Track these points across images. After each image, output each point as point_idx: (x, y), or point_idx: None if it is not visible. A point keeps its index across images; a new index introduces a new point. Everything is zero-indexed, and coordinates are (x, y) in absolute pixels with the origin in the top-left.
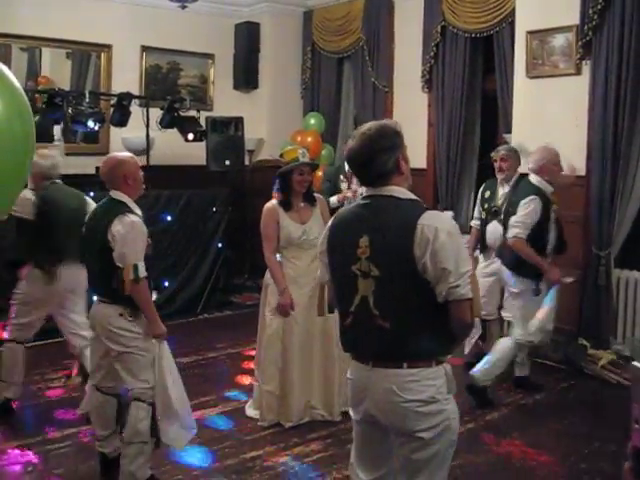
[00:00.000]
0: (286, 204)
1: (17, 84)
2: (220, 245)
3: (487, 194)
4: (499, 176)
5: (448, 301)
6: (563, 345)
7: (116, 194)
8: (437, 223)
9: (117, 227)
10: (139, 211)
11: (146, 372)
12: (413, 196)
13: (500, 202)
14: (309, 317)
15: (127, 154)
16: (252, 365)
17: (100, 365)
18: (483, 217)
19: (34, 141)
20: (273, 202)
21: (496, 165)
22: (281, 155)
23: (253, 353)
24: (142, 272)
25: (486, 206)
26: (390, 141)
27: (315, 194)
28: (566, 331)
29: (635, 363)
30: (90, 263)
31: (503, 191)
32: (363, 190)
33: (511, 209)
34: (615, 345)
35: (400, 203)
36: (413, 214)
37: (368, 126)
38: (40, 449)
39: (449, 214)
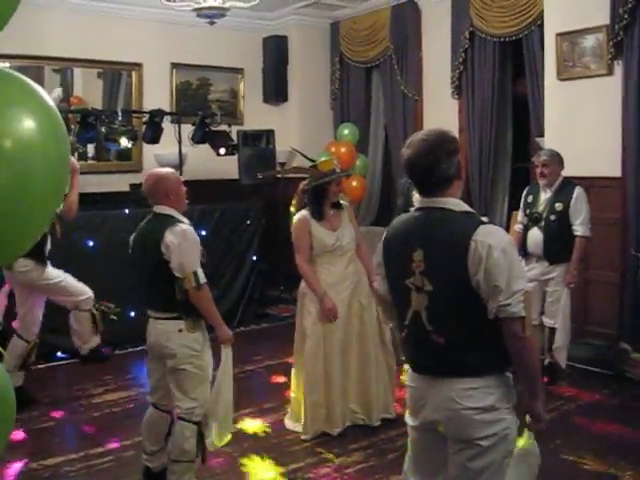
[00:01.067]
0: (319, 214)
1: (52, 103)
2: (255, 258)
3: (530, 199)
4: (541, 182)
5: (499, 318)
6: (604, 350)
7: (160, 208)
8: (491, 240)
9: (169, 238)
10: (187, 221)
11: (197, 390)
12: (468, 208)
13: (541, 208)
14: (349, 322)
15: (168, 169)
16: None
17: (158, 386)
18: (525, 223)
19: (69, 162)
20: (304, 213)
21: (537, 170)
22: (315, 166)
23: (291, 365)
24: (202, 278)
25: (528, 212)
26: (451, 145)
27: (341, 200)
28: (607, 335)
29: None
30: (145, 280)
31: (545, 197)
32: None
33: (554, 215)
34: None
35: (455, 216)
36: (468, 229)
37: (426, 132)
38: (82, 464)
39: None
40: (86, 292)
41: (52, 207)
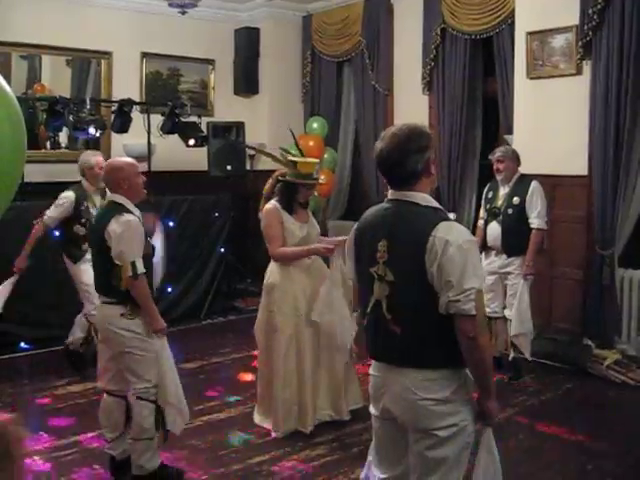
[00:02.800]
0: (289, 209)
1: (8, 89)
2: (222, 250)
3: (490, 194)
4: (497, 177)
5: (449, 314)
6: (567, 345)
7: (114, 197)
8: (449, 236)
9: (113, 226)
10: (137, 212)
11: (148, 371)
12: (435, 204)
13: (500, 203)
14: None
15: (126, 159)
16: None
17: (106, 368)
18: (485, 217)
19: (25, 147)
20: (274, 203)
21: (494, 167)
22: (295, 163)
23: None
24: (140, 269)
25: (488, 207)
26: (422, 142)
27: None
28: (570, 331)
29: None
30: (94, 264)
31: (503, 192)
32: None
33: (511, 209)
34: (620, 345)
35: (420, 210)
36: (429, 223)
37: (399, 127)
38: (47, 456)
39: (452, 215)
40: None
41: (5, 190)
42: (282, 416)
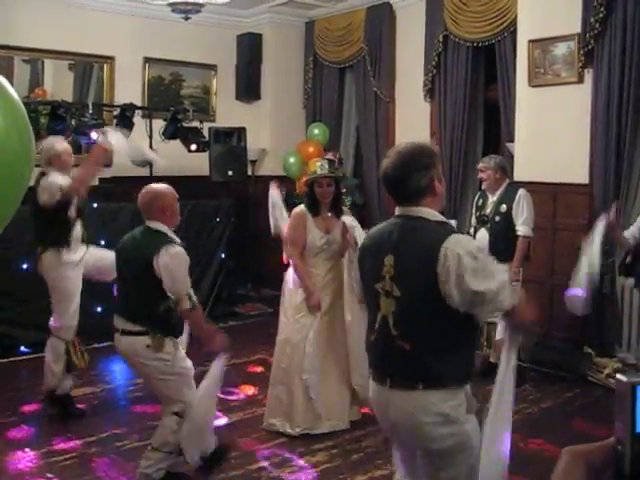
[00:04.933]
0: (314, 209)
1: (16, 96)
2: (223, 255)
3: (480, 202)
4: (483, 186)
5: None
6: (568, 353)
7: (154, 224)
8: (459, 249)
9: (164, 258)
10: (178, 240)
11: (180, 393)
12: (442, 218)
13: (488, 210)
14: (330, 327)
15: (165, 186)
16: (257, 376)
17: None
18: (475, 225)
19: (33, 154)
20: (302, 207)
21: (478, 176)
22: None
23: (259, 364)
24: (194, 300)
25: (477, 214)
26: (424, 160)
27: (345, 216)
28: (571, 339)
29: (620, 376)
30: (126, 289)
31: (492, 199)
32: None
33: (498, 216)
34: (620, 353)
35: (427, 225)
36: (438, 237)
37: (404, 145)
38: (45, 461)
39: (453, 222)
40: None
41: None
42: (270, 409)
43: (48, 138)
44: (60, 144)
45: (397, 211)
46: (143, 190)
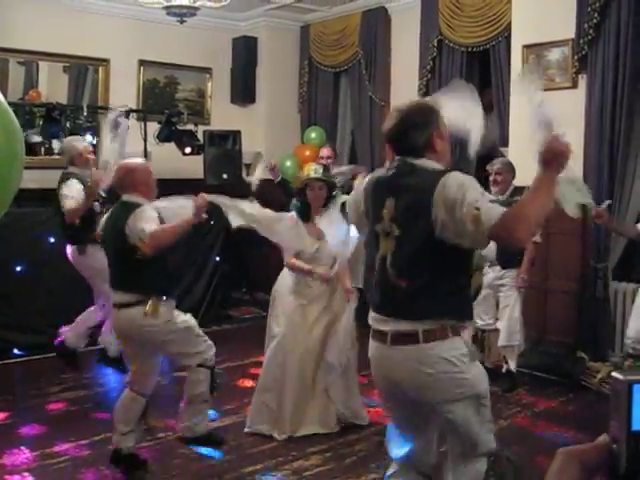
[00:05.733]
0: (305, 214)
1: (1, 97)
2: (217, 259)
3: None
4: (493, 189)
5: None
6: (561, 358)
7: (128, 197)
8: (451, 179)
9: (131, 218)
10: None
11: (192, 344)
12: (442, 167)
13: None
14: (324, 332)
15: (138, 161)
16: (251, 379)
17: (136, 371)
18: None
19: (23, 156)
20: (292, 214)
21: (491, 178)
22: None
23: (253, 367)
24: (148, 229)
25: None
26: (423, 118)
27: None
28: (564, 344)
29: (615, 374)
30: (112, 263)
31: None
32: None
33: None
34: (613, 358)
35: (426, 168)
36: (437, 175)
37: (404, 103)
38: (38, 464)
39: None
40: None
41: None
42: (254, 414)
43: (67, 138)
44: (80, 143)
45: (396, 159)
46: (116, 167)
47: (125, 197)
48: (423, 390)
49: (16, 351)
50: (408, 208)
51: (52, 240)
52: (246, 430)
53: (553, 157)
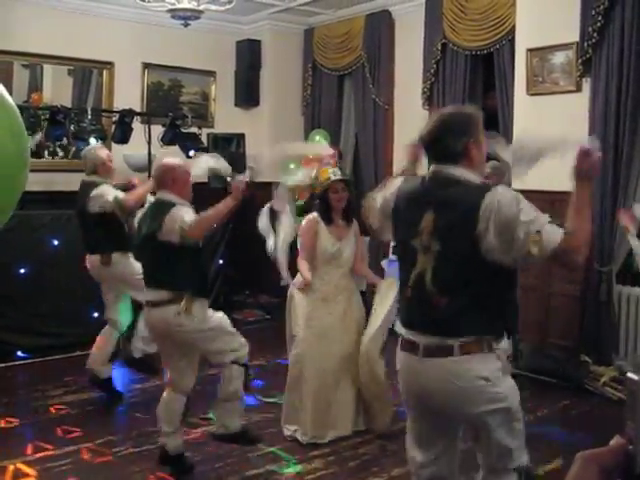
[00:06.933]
0: (327, 218)
1: (11, 101)
2: (221, 262)
3: None
4: None
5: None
6: (565, 362)
7: (162, 194)
8: (499, 196)
9: (167, 218)
10: (189, 206)
11: (225, 341)
12: (478, 180)
13: None
14: (341, 339)
15: (177, 160)
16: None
17: (174, 368)
18: None
19: (28, 157)
20: (314, 214)
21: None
22: (316, 177)
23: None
24: (188, 218)
25: None
26: (461, 125)
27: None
28: (568, 348)
29: (631, 375)
30: (148, 261)
31: None
32: None
33: None
34: (617, 361)
35: (467, 181)
36: (482, 191)
37: (447, 108)
38: (40, 467)
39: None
40: None
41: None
42: (286, 417)
43: (88, 146)
44: (102, 151)
45: (432, 168)
46: (156, 162)
47: (159, 194)
48: (455, 403)
49: (19, 353)
50: (450, 223)
51: (56, 242)
52: (305, 439)
53: (587, 171)
